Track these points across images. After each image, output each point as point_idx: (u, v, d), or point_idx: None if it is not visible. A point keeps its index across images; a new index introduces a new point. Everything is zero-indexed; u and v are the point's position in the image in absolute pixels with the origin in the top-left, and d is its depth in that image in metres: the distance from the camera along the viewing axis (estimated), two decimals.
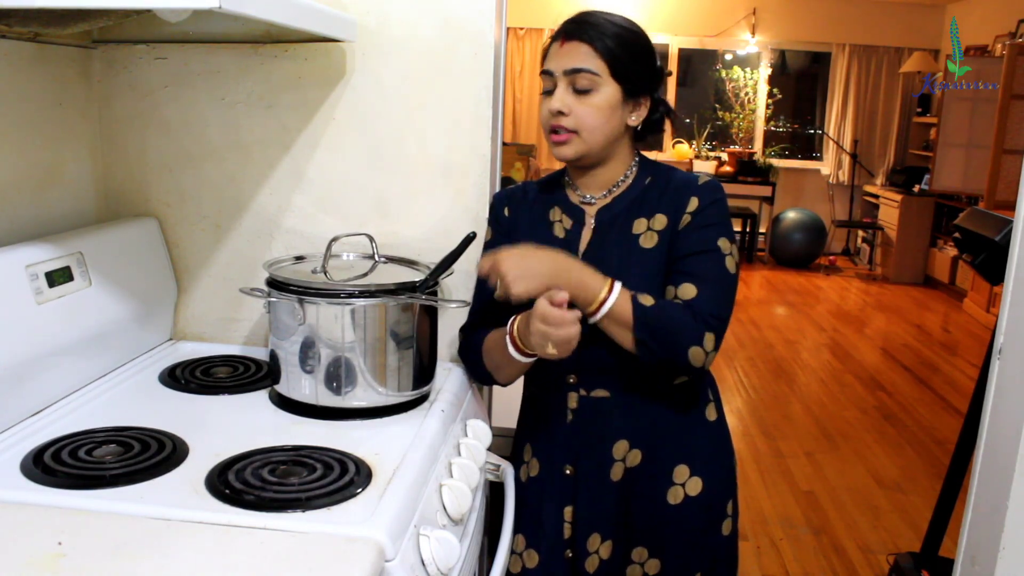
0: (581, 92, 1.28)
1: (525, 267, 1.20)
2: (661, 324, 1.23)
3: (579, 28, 1.28)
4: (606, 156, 1.34)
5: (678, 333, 1.24)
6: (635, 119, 1.34)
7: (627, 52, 1.29)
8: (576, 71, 1.27)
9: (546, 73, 1.31)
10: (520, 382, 1.49)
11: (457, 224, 1.56)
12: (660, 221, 1.32)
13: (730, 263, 1.30)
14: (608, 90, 1.28)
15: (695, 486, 1.38)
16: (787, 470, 3.51)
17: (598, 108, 1.28)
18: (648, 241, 1.32)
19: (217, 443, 1.17)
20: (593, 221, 1.37)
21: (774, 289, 7.13)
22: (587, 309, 1.24)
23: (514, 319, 1.30)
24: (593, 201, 1.38)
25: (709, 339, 1.25)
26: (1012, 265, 1.44)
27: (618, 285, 1.24)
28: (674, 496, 1.37)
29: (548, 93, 1.31)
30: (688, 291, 1.27)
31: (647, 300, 1.24)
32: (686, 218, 1.31)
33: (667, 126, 1.40)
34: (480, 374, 1.44)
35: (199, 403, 1.35)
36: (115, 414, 1.27)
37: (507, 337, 1.30)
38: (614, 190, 1.37)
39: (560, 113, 1.28)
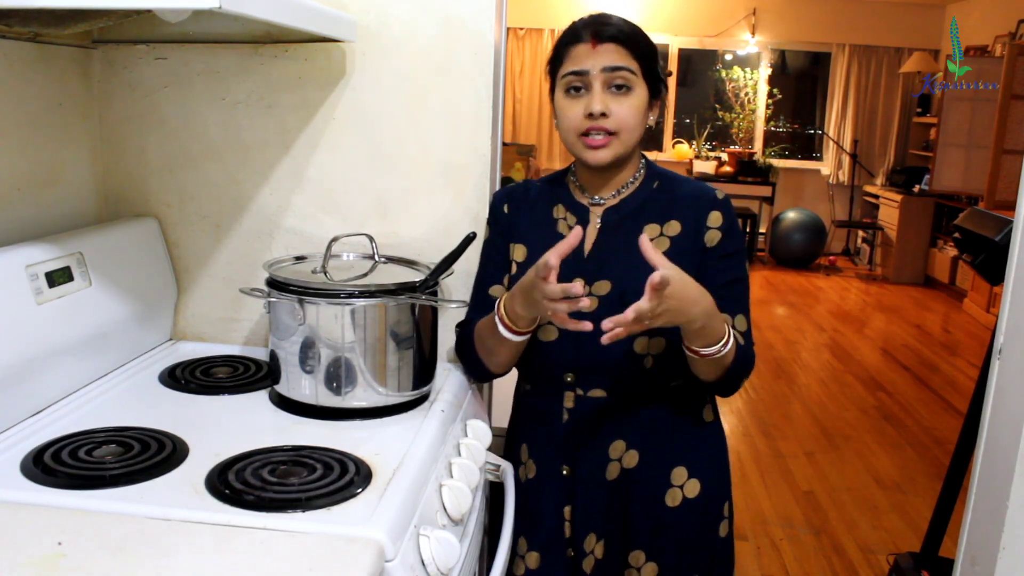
0: (618, 92, 1.28)
1: (683, 300, 1.13)
2: (742, 362, 1.29)
3: (610, 29, 1.28)
4: (626, 158, 1.34)
5: (747, 369, 1.31)
6: (651, 120, 1.36)
7: (652, 54, 1.31)
8: (616, 68, 1.27)
9: (576, 73, 1.28)
10: (517, 383, 1.48)
11: (457, 224, 1.56)
12: (674, 227, 1.34)
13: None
14: (641, 91, 1.30)
15: (693, 488, 1.37)
16: (787, 470, 3.51)
17: (635, 108, 1.29)
18: (659, 247, 1.31)
19: (217, 443, 1.17)
20: (599, 221, 1.37)
21: (774, 289, 7.13)
22: (697, 347, 1.21)
23: (501, 298, 1.30)
24: (601, 202, 1.38)
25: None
26: (1012, 265, 1.44)
27: (731, 332, 1.25)
28: (672, 498, 1.37)
29: (572, 95, 1.30)
30: (742, 323, 1.33)
31: (740, 339, 1.29)
32: (715, 234, 1.32)
33: (667, 126, 1.42)
34: (475, 366, 1.43)
35: (199, 403, 1.35)
36: (115, 414, 1.27)
37: (496, 318, 1.30)
38: (623, 191, 1.37)
39: (602, 115, 1.27)
